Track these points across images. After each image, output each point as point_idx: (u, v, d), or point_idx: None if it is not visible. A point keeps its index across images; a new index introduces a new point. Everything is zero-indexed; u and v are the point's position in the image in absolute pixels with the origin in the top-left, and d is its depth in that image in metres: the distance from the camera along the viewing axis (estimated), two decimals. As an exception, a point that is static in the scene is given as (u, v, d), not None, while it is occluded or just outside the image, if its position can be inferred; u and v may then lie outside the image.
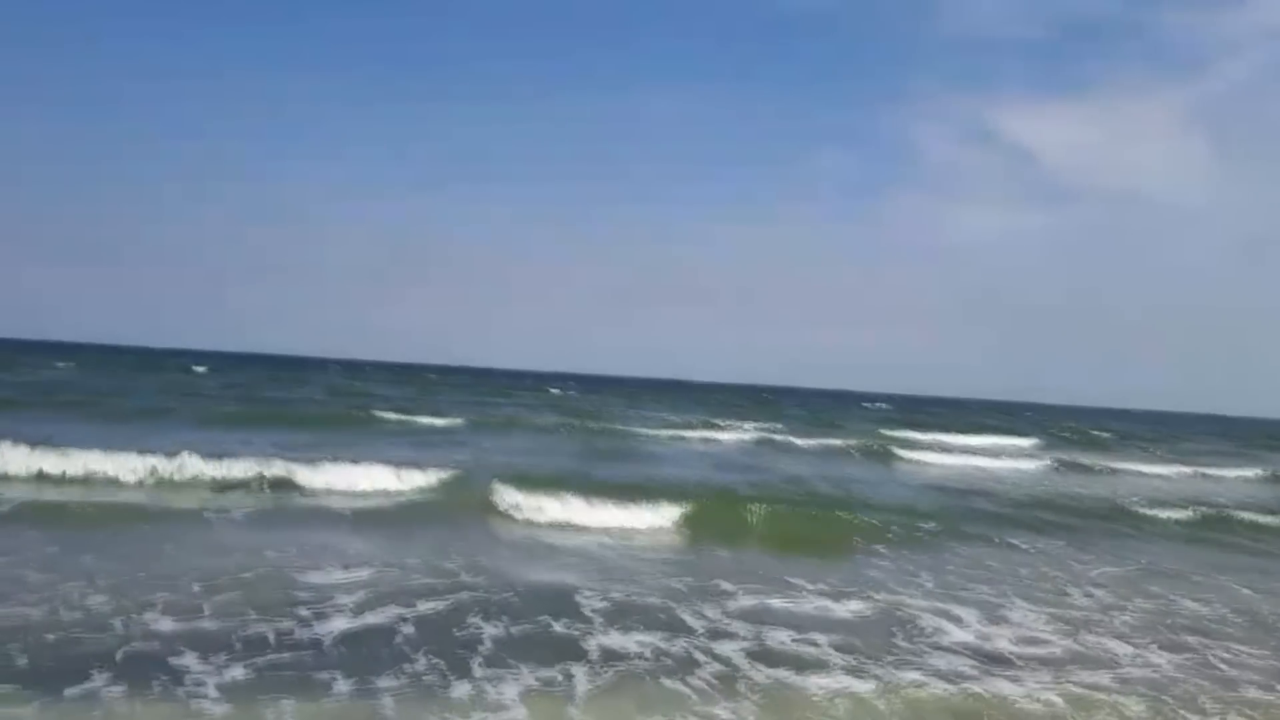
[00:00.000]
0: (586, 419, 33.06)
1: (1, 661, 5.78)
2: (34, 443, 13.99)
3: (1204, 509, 17.33)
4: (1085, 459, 30.14)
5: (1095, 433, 52.69)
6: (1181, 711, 6.22)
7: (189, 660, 6.02)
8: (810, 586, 9.40)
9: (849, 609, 8.58)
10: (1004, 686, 6.49)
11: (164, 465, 13.43)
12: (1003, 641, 7.72)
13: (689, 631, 7.45)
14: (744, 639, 7.33)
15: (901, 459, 26.88)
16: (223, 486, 13.17)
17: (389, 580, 8.45)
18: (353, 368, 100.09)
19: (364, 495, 13.41)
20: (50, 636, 6.29)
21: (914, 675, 6.61)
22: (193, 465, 13.56)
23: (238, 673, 5.87)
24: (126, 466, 13.30)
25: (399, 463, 15.11)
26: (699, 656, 6.79)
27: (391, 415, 28.93)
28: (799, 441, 29.81)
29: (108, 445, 14.31)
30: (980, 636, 7.85)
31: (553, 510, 12.53)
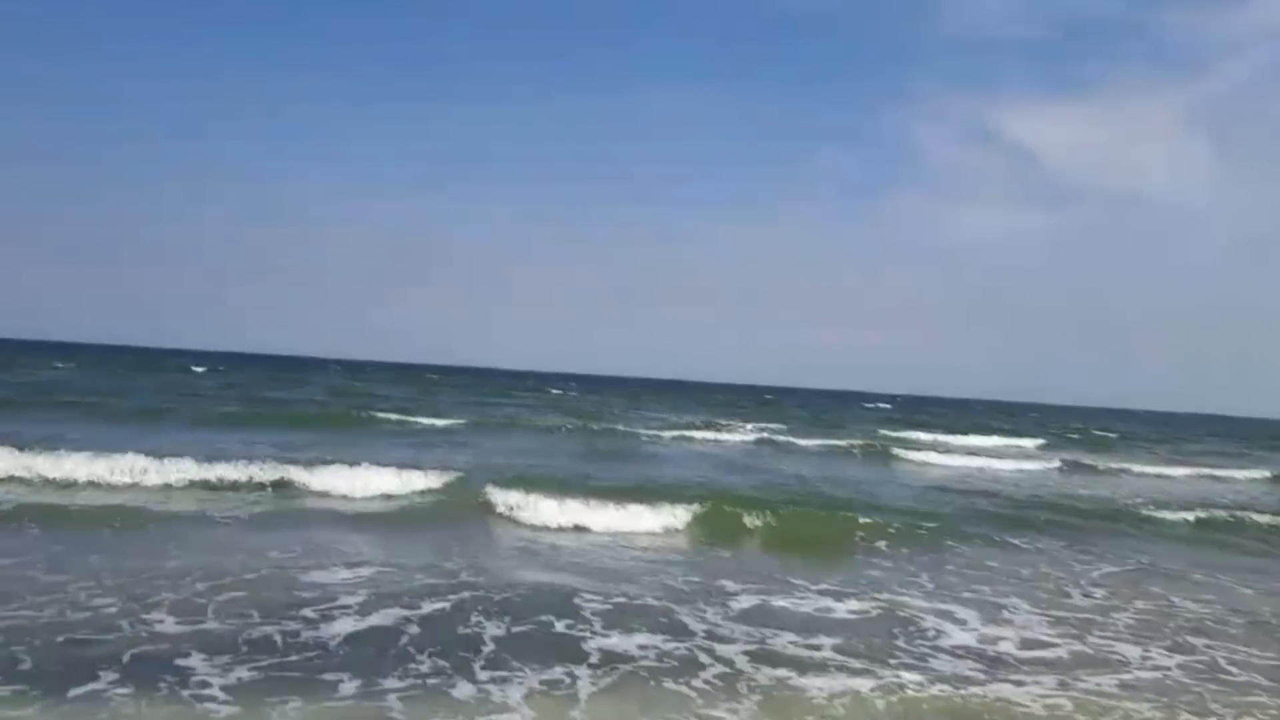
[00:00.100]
0: (588, 419, 33.08)
1: (7, 662, 5.79)
2: (34, 443, 14.02)
3: (1212, 511, 17.32)
4: (1089, 459, 30.13)
5: (1099, 433, 52.70)
6: (1191, 716, 6.21)
7: (195, 661, 6.03)
8: (812, 587, 9.41)
9: (851, 610, 8.58)
10: (1006, 689, 6.50)
11: (164, 466, 13.44)
12: (1005, 643, 7.73)
13: (691, 633, 7.46)
14: (746, 640, 7.33)
15: (903, 459, 26.88)
16: (223, 487, 13.18)
17: (391, 581, 8.46)
18: (353, 368, 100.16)
19: (365, 496, 13.42)
20: (54, 637, 6.31)
21: (916, 677, 6.62)
22: (193, 466, 13.57)
23: (243, 673, 5.88)
24: (126, 467, 13.29)
25: (400, 464, 15.12)
26: (702, 658, 6.80)
27: (392, 415, 28.93)
28: (800, 442, 29.82)
29: (107, 446, 14.33)
30: (983, 638, 7.85)
31: (554, 511, 12.52)
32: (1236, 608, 9.61)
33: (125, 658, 6.01)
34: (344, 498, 13.27)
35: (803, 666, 6.74)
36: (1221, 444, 50.02)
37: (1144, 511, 16.98)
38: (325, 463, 14.50)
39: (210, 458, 14.16)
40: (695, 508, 13.00)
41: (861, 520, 13.10)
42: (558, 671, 6.31)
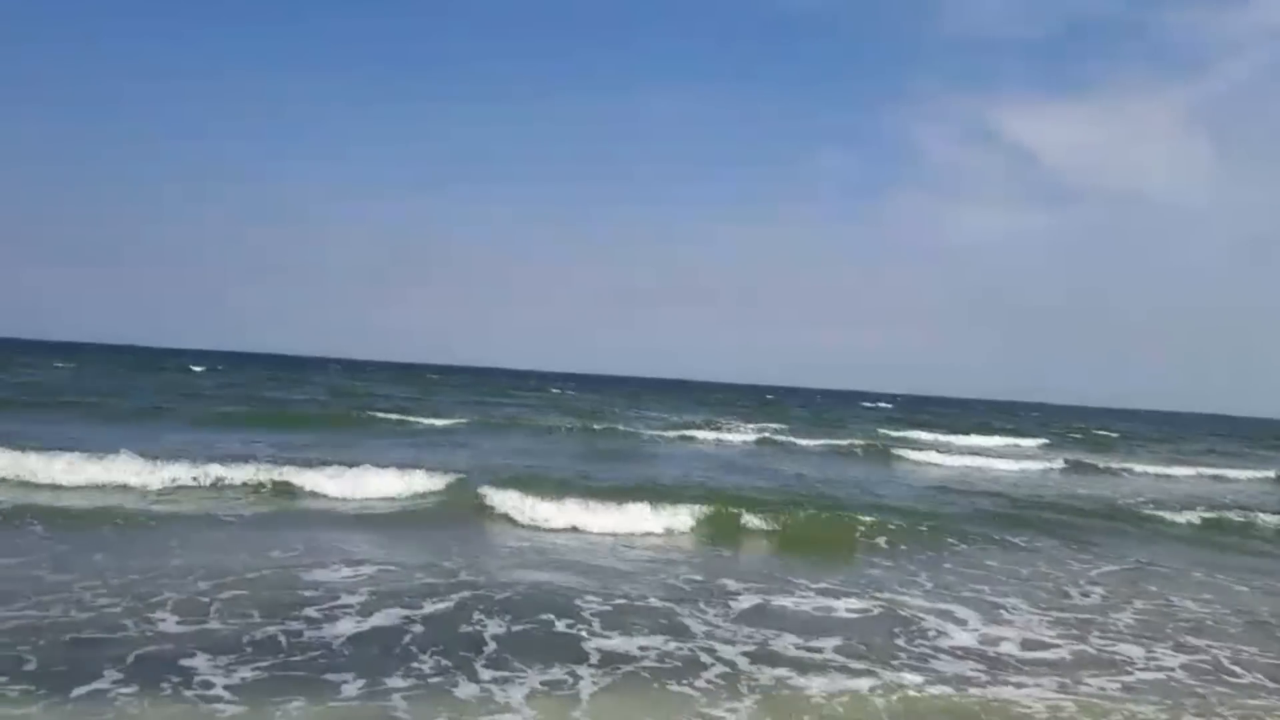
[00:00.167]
0: (588, 419, 33.09)
1: (12, 661, 5.80)
2: (34, 443, 14.04)
3: (1213, 511, 17.32)
4: (1090, 459, 30.13)
5: (1100, 433, 52.69)
6: (1196, 719, 6.23)
7: (198, 660, 6.05)
8: (813, 586, 9.42)
9: (852, 610, 8.60)
10: (1007, 690, 6.51)
11: (164, 466, 13.44)
12: (1006, 643, 7.74)
13: (692, 633, 7.48)
14: (747, 640, 7.35)
15: (904, 459, 26.89)
16: (223, 487, 13.19)
17: (392, 581, 8.47)
18: (353, 368, 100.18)
19: (365, 497, 13.43)
20: (59, 636, 6.33)
21: (917, 678, 6.63)
22: (193, 466, 13.57)
23: (247, 673, 5.90)
24: (126, 467, 13.30)
25: (400, 464, 15.13)
26: (703, 658, 6.82)
27: (392, 415, 28.95)
28: (801, 442, 29.83)
29: (107, 446, 14.34)
30: (984, 638, 7.87)
31: (554, 511, 12.54)
32: (1238, 608, 9.62)
33: (129, 657, 6.03)
34: (344, 498, 13.28)
35: (804, 667, 6.76)
36: (1224, 444, 50.02)
37: (1145, 511, 16.99)
38: (325, 463, 14.52)
39: (210, 458, 14.18)
40: (696, 508, 13.01)
41: (862, 520, 13.12)
42: (559, 671, 6.33)
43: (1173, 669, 7.25)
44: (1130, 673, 7.10)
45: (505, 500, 12.87)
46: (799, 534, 12.58)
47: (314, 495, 13.33)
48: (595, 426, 29.95)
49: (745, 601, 8.66)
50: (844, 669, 6.75)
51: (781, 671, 6.61)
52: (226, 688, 5.63)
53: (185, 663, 6.00)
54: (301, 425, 24.57)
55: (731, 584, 9.36)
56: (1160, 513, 16.81)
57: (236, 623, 6.91)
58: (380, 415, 28.87)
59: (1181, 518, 16.46)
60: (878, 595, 9.23)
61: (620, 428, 30.53)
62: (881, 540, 12.34)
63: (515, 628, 7.30)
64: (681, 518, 12.75)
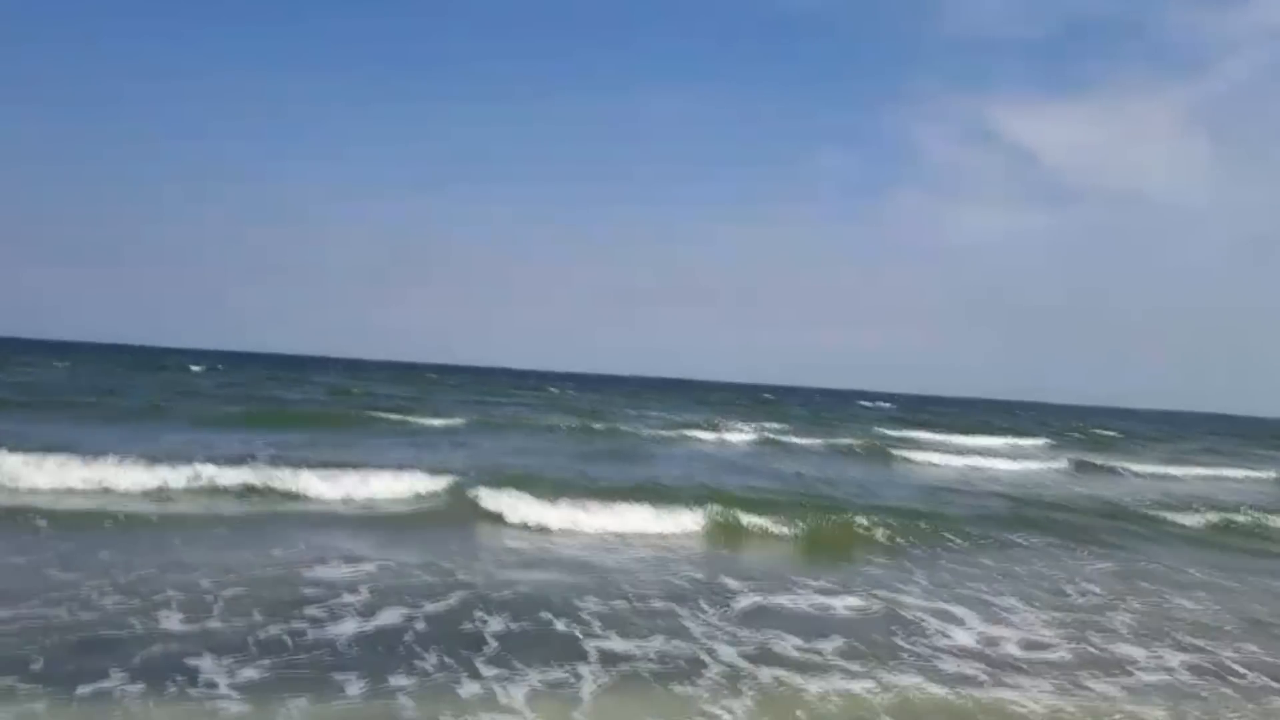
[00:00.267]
0: (588, 419, 33.10)
1: (19, 660, 5.84)
2: (35, 443, 14.06)
3: (1213, 510, 17.36)
4: (1090, 459, 30.17)
5: (1101, 432, 52.74)
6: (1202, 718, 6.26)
7: (203, 659, 6.08)
8: (813, 585, 9.46)
9: (852, 610, 8.63)
10: (1007, 690, 6.55)
11: (164, 466, 13.44)
12: (1006, 643, 7.78)
13: (692, 633, 7.51)
14: (747, 640, 7.39)
15: (904, 459, 26.91)
16: (223, 487, 13.20)
17: (394, 581, 8.51)
18: (353, 367, 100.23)
19: (365, 497, 13.45)
20: (65, 635, 6.36)
21: (917, 678, 6.67)
22: (193, 466, 13.57)
23: (251, 672, 5.93)
24: (126, 467, 13.31)
25: (400, 463, 15.17)
26: (703, 658, 6.85)
27: (392, 415, 28.96)
28: (801, 441, 29.87)
29: (107, 446, 14.35)
30: (984, 638, 7.90)
31: (554, 511, 12.56)
32: (1239, 608, 9.66)
33: (135, 656, 6.06)
34: (344, 498, 13.29)
35: (804, 666, 6.79)
36: (1225, 443, 50.08)
37: (1145, 511, 17.04)
38: (325, 463, 14.54)
39: (210, 458, 14.18)
40: (696, 507, 13.04)
41: (862, 520, 13.15)
42: (560, 671, 6.36)
43: (1174, 669, 7.29)
44: (1131, 673, 7.13)
45: (505, 500, 12.89)
46: (799, 534, 12.61)
47: (314, 495, 13.34)
48: (595, 426, 29.97)
49: (745, 601, 8.70)
50: (843, 669, 6.78)
51: (781, 671, 6.64)
52: (231, 686, 5.67)
53: (190, 661, 6.04)
54: (301, 425, 24.58)
55: (731, 583, 9.40)
56: (1160, 512, 16.85)
57: (240, 622, 6.95)
58: (380, 415, 28.88)
59: (1181, 517, 16.49)
60: (878, 595, 9.26)
61: (620, 427, 30.55)
62: (881, 540, 12.38)
63: (516, 627, 7.34)
64: (681, 517, 12.78)
